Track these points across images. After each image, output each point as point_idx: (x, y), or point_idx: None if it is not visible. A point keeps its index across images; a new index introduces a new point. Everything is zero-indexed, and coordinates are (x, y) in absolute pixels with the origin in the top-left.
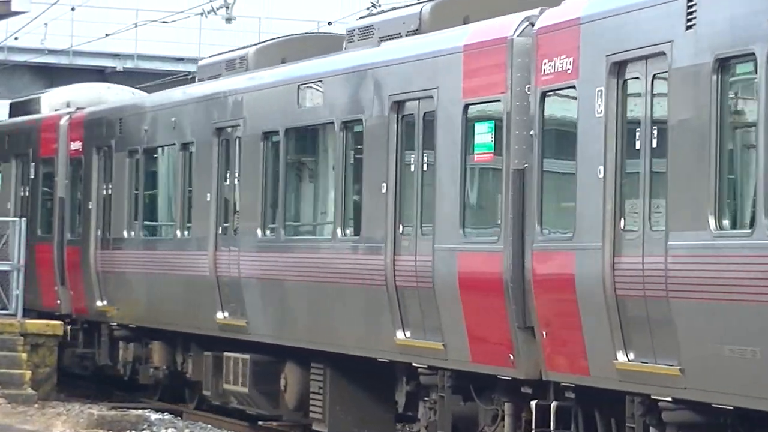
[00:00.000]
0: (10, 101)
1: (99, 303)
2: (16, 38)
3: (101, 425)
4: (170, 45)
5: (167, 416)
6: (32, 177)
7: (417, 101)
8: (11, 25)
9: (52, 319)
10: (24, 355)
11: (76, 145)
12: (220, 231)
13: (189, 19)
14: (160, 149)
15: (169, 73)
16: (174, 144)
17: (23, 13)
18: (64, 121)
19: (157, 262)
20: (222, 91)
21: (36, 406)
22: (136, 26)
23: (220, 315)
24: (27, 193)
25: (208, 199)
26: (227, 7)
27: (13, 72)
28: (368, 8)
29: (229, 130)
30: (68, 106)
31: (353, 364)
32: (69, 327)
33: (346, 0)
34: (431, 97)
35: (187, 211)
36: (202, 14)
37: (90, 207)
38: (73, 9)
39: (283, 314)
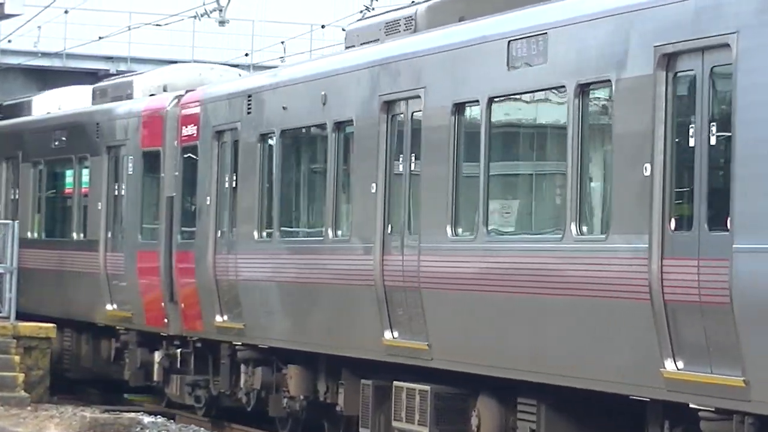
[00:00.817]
0: (93, 86)
1: (219, 318)
2: (9, 41)
3: (94, 428)
4: (164, 48)
5: (160, 419)
6: (129, 172)
7: None
8: (4, 28)
9: (159, 341)
10: (17, 358)
11: (189, 132)
12: (389, 230)
13: (182, 22)
14: (303, 130)
15: None
16: (324, 123)
17: (16, 15)
18: (171, 106)
19: (298, 267)
20: (395, 55)
21: (29, 408)
22: (129, 29)
23: (388, 335)
24: (121, 192)
25: (373, 190)
26: (221, 10)
27: (6, 75)
28: (362, 11)
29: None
30: (165, 90)
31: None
32: (179, 350)
33: (339, 3)
34: None
35: (343, 205)
36: (195, 17)
37: (208, 203)
38: (66, 12)
39: (478, 333)
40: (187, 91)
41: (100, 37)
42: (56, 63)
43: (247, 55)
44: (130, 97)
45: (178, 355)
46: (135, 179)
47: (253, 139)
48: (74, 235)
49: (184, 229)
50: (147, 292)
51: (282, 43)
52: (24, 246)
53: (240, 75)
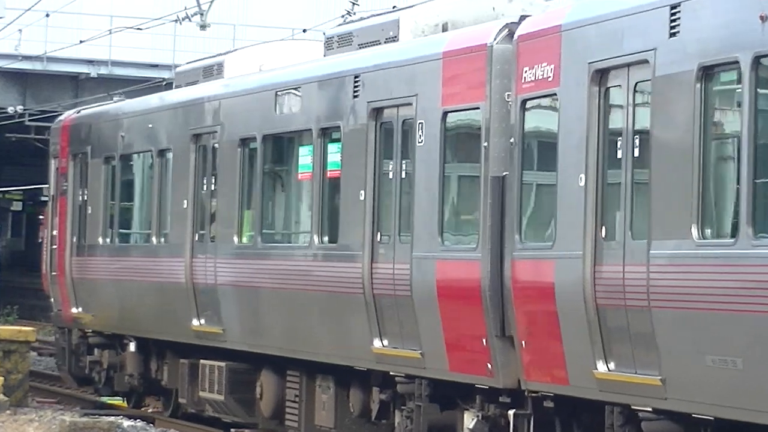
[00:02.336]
0: (325, 34)
1: (602, 367)
2: None
3: (73, 431)
4: (145, 51)
5: (139, 423)
6: (420, 142)
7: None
8: None
9: (482, 395)
10: None
11: (536, 75)
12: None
13: (164, 25)
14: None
15: (143, 80)
16: None
17: None
18: (499, 40)
19: None
20: None
21: (8, 412)
22: (110, 33)
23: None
24: (402, 172)
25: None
26: (202, 14)
27: None
28: (343, 16)
29: None
30: (444, 29)
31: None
32: (512, 412)
33: (321, 7)
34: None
35: None
36: (176, 21)
37: (582, 183)
38: (47, 15)
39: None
40: (522, 18)
41: (81, 41)
42: (37, 66)
43: None
44: (393, 40)
45: (511, 420)
46: (428, 151)
47: (684, 68)
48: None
49: (527, 225)
50: (452, 322)
51: None
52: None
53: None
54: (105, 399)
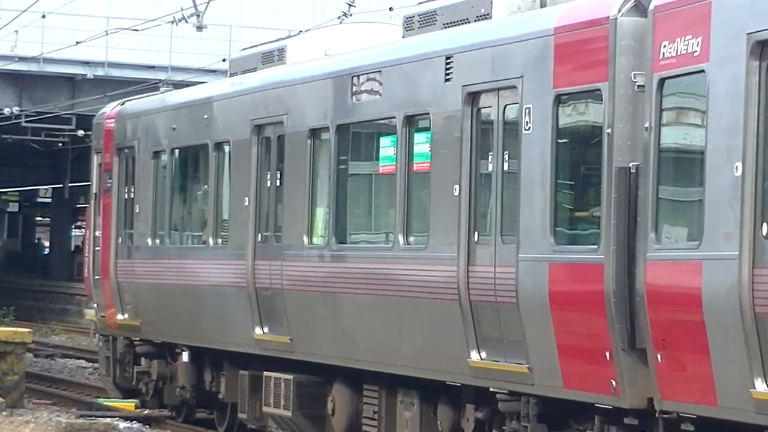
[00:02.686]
0: (404, 16)
1: (762, 385)
2: None
3: None
4: (141, 53)
5: (135, 425)
6: (527, 129)
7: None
8: None
9: (602, 416)
10: None
11: (678, 50)
12: None
13: (160, 27)
14: None
15: (140, 81)
16: None
17: None
18: (624, 12)
19: None
20: None
21: (4, 413)
22: (107, 34)
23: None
24: (504, 166)
25: None
26: (198, 16)
27: None
28: (339, 17)
29: None
30: (542, 4)
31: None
32: None
33: (317, 8)
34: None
35: None
36: (173, 22)
37: (739, 173)
38: (43, 16)
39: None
40: None
41: (77, 42)
42: (33, 67)
43: (224, 60)
44: (485, 17)
45: None
46: (537, 139)
47: None
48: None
49: (666, 222)
50: (568, 333)
51: None
52: None
53: None
54: (103, 400)
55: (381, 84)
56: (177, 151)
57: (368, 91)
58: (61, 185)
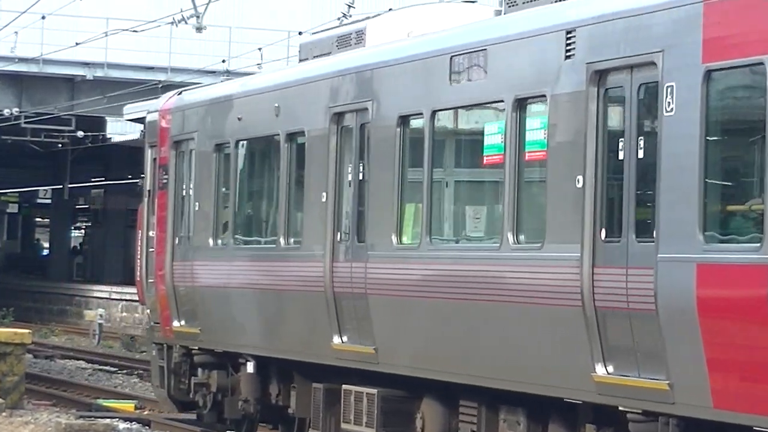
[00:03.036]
0: None
1: None
2: None
3: None
4: (140, 54)
5: (135, 425)
6: (669, 110)
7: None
8: None
9: None
10: None
11: None
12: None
13: (159, 28)
14: None
15: (139, 82)
16: None
17: None
18: None
19: None
20: None
21: (4, 414)
22: (106, 35)
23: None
24: (639, 153)
25: None
26: (198, 17)
27: None
28: (339, 18)
29: None
30: None
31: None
32: None
33: (316, 9)
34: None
35: None
36: (172, 23)
37: None
38: (43, 17)
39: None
40: None
41: (77, 43)
42: (33, 68)
43: (224, 61)
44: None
45: None
46: (682, 122)
47: None
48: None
49: None
50: (721, 345)
51: (259, 49)
52: None
53: None
54: (102, 402)
55: (486, 64)
56: (243, 143)
57: (470, 72)
58: (61, 186)
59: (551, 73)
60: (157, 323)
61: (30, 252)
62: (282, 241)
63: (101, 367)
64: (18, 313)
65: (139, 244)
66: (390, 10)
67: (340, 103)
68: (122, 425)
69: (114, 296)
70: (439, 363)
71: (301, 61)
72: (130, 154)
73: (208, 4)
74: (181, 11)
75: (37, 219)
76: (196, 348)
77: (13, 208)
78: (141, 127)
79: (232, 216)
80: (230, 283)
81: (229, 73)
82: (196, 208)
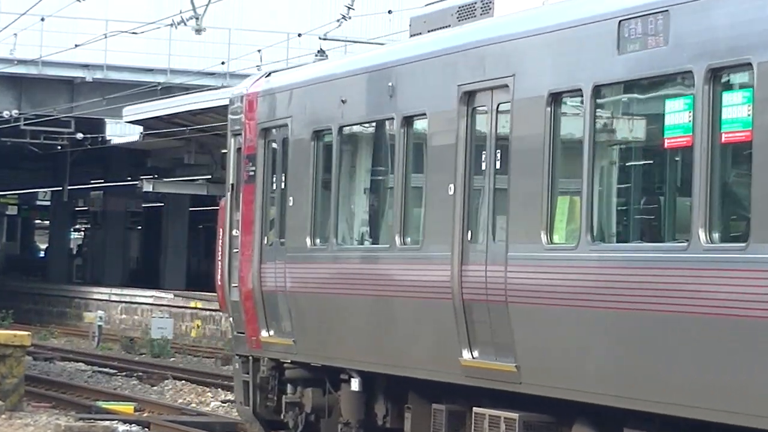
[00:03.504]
0: None
1: None
2: None
3: None
4: (140, 56)
5: (134, 428)
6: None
7: None
8: None
9: None
10: None
11: None
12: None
13: (159, 30)
14: None
15: (138, 84)
16: None
17: None
18: None
19: None
20: None
21: (3, 416)
22: (105, 37)
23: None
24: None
25: None
26: (197, 18)
27: None
28: (338, 20)
29: None
30: None
31: None
32: None
33: (315, 12)
34: None
35: None
36: (171, 25)
37: None
38: (42, 19)
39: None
40: None
41: (76, 45)
42: (32, 70)
43: (223, 63)
44: None
45: None
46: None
47: None
48: None
49: None
50: None
51: (258, 51)
52: None
53: None
54: (102, 404)
55: (667, 29)
56: (347, 128)
57: (645, 39)
58: (60, 188)
59: (758, 38)
60: (242, 333)
61: (29, 254)
62: (397, 240)
63: (101, 369)
64: (17, 315)
65: (221, 244)
66: None
67: (471, 81)
68: (122, 427)
69: (113, 298)
70: (600, 385)
71: (412, 36)
72: (130, 156)
73: (207, 5)
74: (181, 13)
75: (37, 221)
76: (288, 361)
77: (12, 210)
78: (140, 129)
79: (334, 212)
80: (332, 288)
81: (229, 75)
82: (291, 204)
